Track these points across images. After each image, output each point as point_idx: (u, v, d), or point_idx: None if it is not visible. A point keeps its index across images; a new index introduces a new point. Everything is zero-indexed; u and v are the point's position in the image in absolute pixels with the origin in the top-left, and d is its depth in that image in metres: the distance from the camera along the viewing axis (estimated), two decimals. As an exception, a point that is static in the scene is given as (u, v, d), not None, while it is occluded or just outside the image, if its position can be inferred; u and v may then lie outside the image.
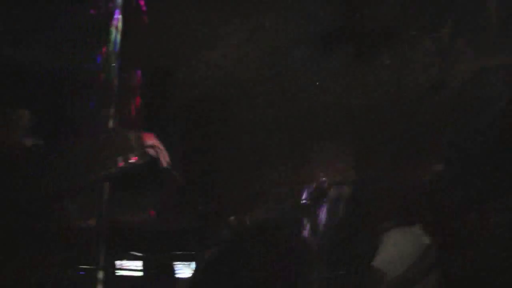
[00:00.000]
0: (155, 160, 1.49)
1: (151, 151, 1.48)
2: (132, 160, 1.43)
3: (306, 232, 3.30)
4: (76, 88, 3.45)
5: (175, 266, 3.48)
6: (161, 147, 1.52)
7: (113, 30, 3.50)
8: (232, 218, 3.09)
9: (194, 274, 3.31)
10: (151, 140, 1.47)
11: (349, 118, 4.30)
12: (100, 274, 2.75)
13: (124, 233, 3.87)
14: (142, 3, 3.77)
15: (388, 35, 3.23)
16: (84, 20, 3.52)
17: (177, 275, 3.48)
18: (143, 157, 1.43)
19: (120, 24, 3.46)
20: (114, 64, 3.68)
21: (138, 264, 5.09)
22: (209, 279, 2.45)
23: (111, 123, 4.22)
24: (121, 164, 1.40)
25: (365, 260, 3.05)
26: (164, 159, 1.52)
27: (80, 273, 2.78)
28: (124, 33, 3.49)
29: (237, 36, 4.02)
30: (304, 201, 3.29)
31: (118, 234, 3.47)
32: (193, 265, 5.01)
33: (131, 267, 5.23)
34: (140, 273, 4.47)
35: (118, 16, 3.48)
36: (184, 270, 4.21)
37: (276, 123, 4.17)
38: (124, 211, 3.91)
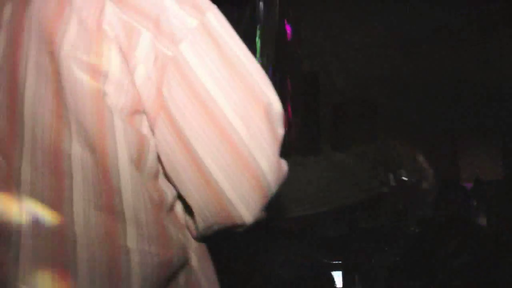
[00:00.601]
0: (419, 181, 1.32)
1: (419, 168, 1.31)
2: (403, 177, 1.27)
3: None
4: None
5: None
6: (427, 165, 1.36)
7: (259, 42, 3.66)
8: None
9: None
10: (421, 156, 1.34)
11: (496, 112, 4.17)
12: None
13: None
14: (286, 22, 3.95)
15: None
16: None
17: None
18: (412, 174, 1.28)
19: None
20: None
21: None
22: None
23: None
24: (392, 183, 1.25)
25: None
26: (431, 179, 1.35)
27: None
28: (274, 44, 3.63)
29: (378, 37, 4.04)
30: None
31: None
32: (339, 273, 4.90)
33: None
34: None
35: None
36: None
37: (422, 121, 4.13)
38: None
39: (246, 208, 0.82)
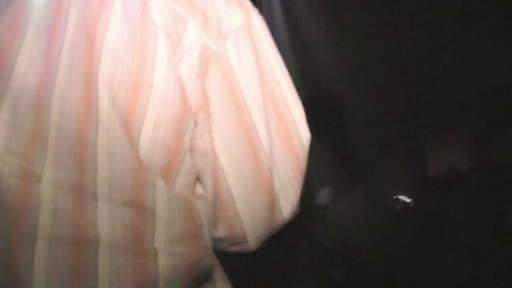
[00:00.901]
0: None
1: None
2: None
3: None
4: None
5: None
6: None
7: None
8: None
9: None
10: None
11: (468, 100, 4.23)
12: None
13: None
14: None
15: None
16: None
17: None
18: None
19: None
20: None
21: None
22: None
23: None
24: None
25: None
26: None
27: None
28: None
29: (353, 32, 4.06)
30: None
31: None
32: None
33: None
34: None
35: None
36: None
37: (395, 114, 4.15)
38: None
39: (255, 235, 0.81)
